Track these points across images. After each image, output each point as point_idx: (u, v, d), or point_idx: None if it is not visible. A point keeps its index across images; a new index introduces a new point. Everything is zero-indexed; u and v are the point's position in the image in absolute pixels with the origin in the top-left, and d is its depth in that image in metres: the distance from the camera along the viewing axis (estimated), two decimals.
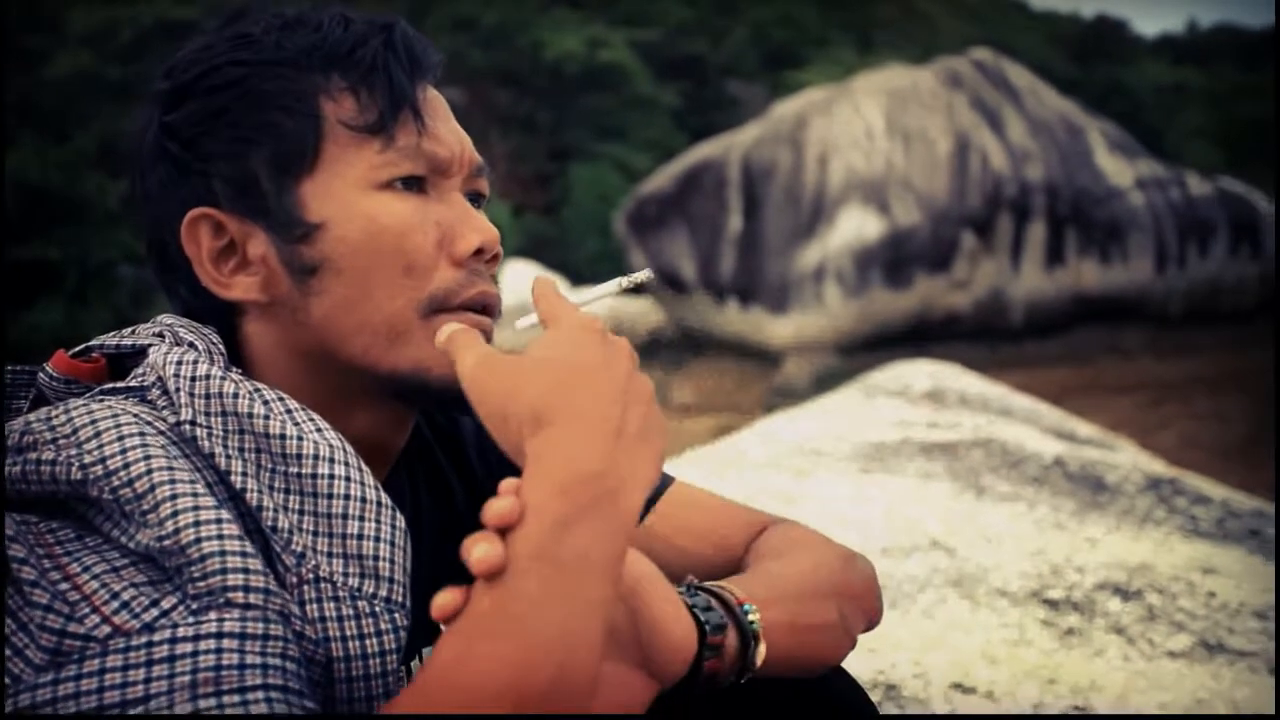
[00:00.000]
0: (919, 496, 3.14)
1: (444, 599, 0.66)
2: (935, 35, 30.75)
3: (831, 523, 2.87)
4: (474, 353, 0.76)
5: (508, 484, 0.68)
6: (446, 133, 0.87)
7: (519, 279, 18.45)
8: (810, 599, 0.88)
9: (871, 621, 0.95)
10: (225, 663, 0.65)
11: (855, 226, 16.45)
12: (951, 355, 7.61)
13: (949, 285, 16.65)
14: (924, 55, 20.90)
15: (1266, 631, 2.22)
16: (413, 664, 0.92)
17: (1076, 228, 17.33)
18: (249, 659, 0.66)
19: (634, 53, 26.56)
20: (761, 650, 0.82)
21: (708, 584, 0.85)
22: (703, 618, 0.79)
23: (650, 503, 1.03)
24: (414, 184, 0.85)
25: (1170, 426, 11.17)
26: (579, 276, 20.55)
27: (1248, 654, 2.13)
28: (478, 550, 0.65)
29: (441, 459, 0.99)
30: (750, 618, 0.82)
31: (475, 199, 0.91)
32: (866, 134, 17.17)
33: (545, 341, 0.74)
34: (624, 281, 0.87)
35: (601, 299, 0.89)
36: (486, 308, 0.87)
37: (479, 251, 0.86)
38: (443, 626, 0.94)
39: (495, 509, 0.66)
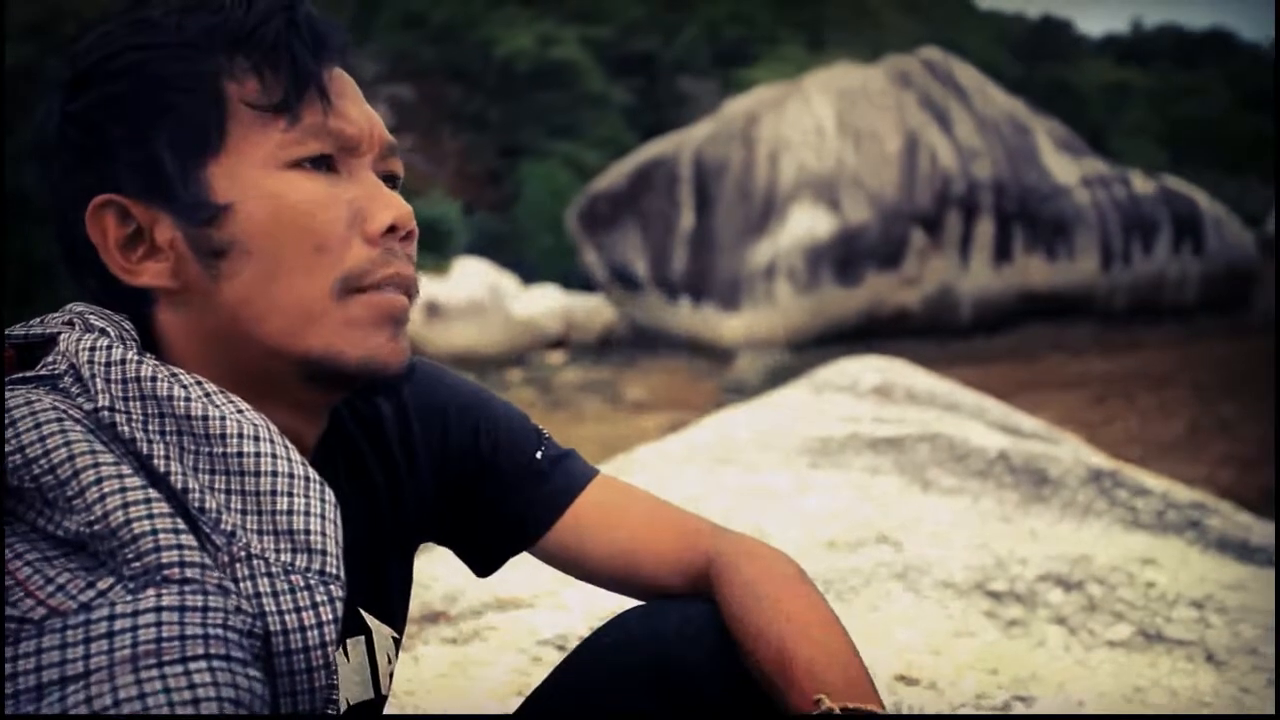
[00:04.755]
0: (866, 490, 3.17)
1: None
2: (884, 34, 30.99)
3: (779, 517, 2.88)
4: None
5: None
6: (355, 111, 0.86)
7: (470, 276, 18.37)
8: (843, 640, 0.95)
9: None
10: (166, 635, 0.65)
11: (806, 224, 16.55)
12: (901, 351, 7.68)
13: (899, 282, 16.80)
14: (874, 54, 21.05)
15: (1203, 620, 2.26)
16: (336, 654, 0.91)
17: (1023, 225, 17.56)
18: (189, 630, 0.66)
19: (585, 50, 26.54)
20: None
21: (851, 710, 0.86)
22: None
23: (573, 494, 1.03)
24: (323, 163, 0.84)
25: (1114, 421, 11.35)
26: (531, 274, 20.50)
27: (1185, 643, 2.17)
28: None
29: (364, 446, 0.98)
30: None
31: (390, 181, 0.89)
32: (817, 131, 17.28)
33: None
34: None
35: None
36: (403, 288, 0.86)
37: (392, 229, 0.85)
38: (362, 612, 0.94)
39: None
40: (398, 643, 1.01)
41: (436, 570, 2.50)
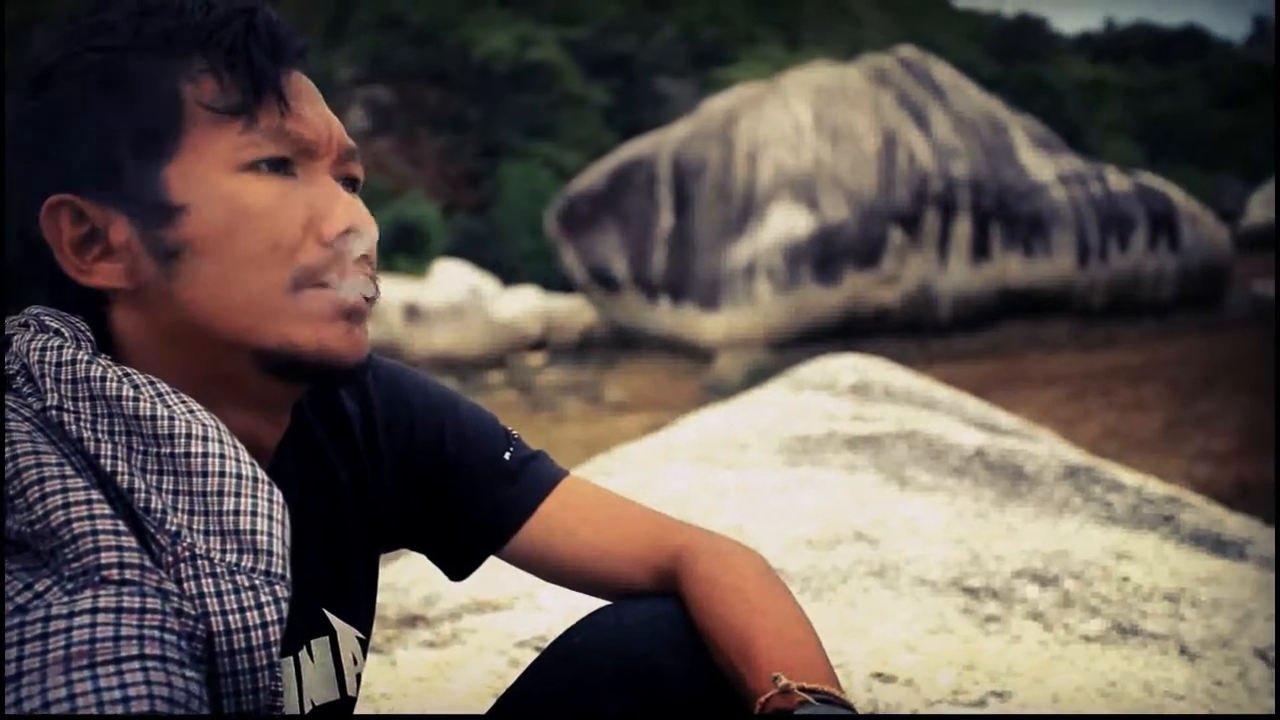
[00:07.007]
0: (844, 488, 3.18)
1: None
2: (861, 32, 31.09)
3: (757, 515, 2.89)
4: None
5: None
6: (313, 115, 0.86)
7: (450, 279, 18.32)
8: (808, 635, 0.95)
9: None
10: (100, 635, 0.66)
11: (785, 223, 16.58)
12: (881, 349, 7.72)
13: (878, 280, 16.85)
14: (851, 52, 21.13)
15: (1177, 614, 2.28)
16: (300, 654, 0.91)
17: (1001, 223, 17.64)
18: (124, 631, 0.67)
19: (563, 50, 26.54)
20: None
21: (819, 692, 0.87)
22: None
23: (542, 494, 1.04)
24: (280, 166, 0.84)
25: (1092, 418, 11.41)
26: (510, 276, 20.47)
27: (1160, 636, 2.19)
28: None
29: (328, 445, 0.98)
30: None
31: (350, 184, 0.90)
32: (795, 131, 17.31)
33: None
34: None
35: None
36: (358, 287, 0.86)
37: (348, 231, 0.85)
38: (326, 612, 0.95)
39: None
40: (364, 643, 1.01)
41: (414, 574, 2.49)
